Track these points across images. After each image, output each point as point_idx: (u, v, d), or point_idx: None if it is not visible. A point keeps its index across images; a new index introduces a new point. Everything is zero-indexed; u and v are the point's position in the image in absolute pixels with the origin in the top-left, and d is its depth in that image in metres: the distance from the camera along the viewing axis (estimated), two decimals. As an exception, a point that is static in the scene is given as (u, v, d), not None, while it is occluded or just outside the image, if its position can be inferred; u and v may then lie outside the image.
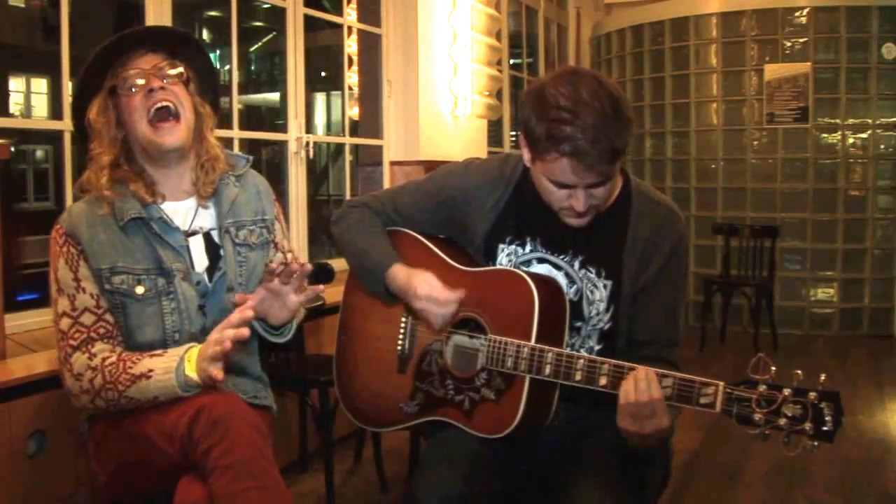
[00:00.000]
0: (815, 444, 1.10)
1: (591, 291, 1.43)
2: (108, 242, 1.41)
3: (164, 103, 1.42)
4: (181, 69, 1.47)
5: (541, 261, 1.47)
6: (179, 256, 1.45)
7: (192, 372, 1.32)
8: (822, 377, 1.13)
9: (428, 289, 1.42)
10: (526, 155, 1.39)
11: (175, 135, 1.43)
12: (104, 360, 1.35)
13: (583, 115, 1.24)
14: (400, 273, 1.47)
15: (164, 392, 1.31)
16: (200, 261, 1.49)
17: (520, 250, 1.48)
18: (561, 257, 1.46)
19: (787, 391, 1.12)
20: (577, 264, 1.45)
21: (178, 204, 1.50)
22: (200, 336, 1.45)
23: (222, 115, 1.68)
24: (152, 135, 1.42)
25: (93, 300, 1.39)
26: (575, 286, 1.44)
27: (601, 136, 1.24)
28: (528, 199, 1.49)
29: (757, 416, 1.13)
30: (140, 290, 1.41)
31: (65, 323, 1.38)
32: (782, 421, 1.12)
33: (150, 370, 1.32)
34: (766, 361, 1.16)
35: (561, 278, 1.45)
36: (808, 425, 1.10)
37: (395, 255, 1.52)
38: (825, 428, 1.10)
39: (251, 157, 1.64)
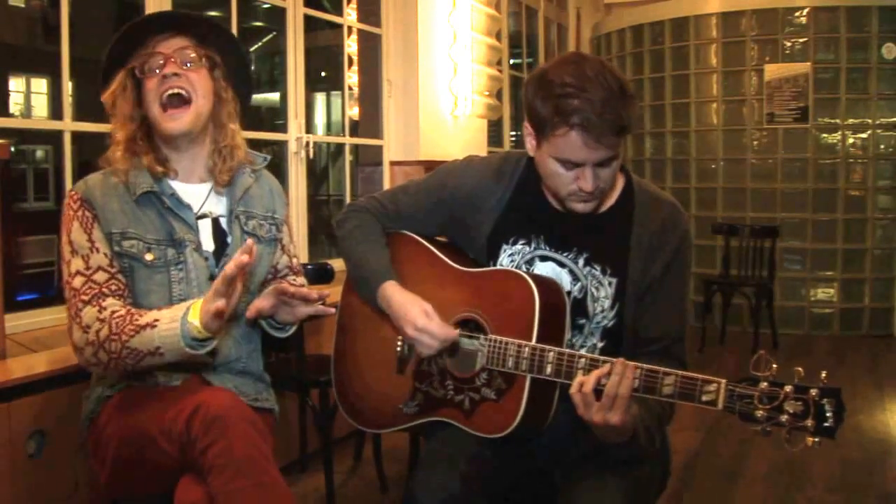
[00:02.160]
0: (817, 440, 1.11)
1: (597, 288, 1.43)
2: (121, 211, 1.43)
3: (176, 90, 1.44)
4: (205, 53, 1.49)
5: (544, 258, 1.47)
6: (190, 229, 1.47)
7: (194, 317, 1.31)
8: (823, 374, 1.13)
9: (426, 322, 1.41)
10: (531, 143, 1.39)
11: (180, 121, 1.45)
12: (113, 312, 1.36)
13: (589, 90, 1.26)
14: (395, 295, 1.46)
15: (166, 342, 1.31)
16: (207, 243, 1.51)
17: (526, 249, 1.48)
18: (565, 255, 1.45)
19: (788, 388, 1.13)
20: (581, 262, 1.45)
21: (191, 186, 1.52)
22: None
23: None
24: (160, 118, 1.45)
25: (106, 259, 1.40)
26: (579, 283, 1.44)
27: (608, 108, 1.26)
28: (530, 196, 1.49)
29: (759, 413, 1.14)
30: (149, 256, 1.43)
31: (77, 281, 1.39)
32: (784, 417, 1.12)
33: (156, 319, 1.33)
34: (768, 359, 1.16)
35: (565, 276, 1.45)
36: (809, 422, 1.11)
37: (390, 270, 1.51)
38: (826, 424, 1.10)
39: (269, 157, 1.66)
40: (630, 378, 1.21)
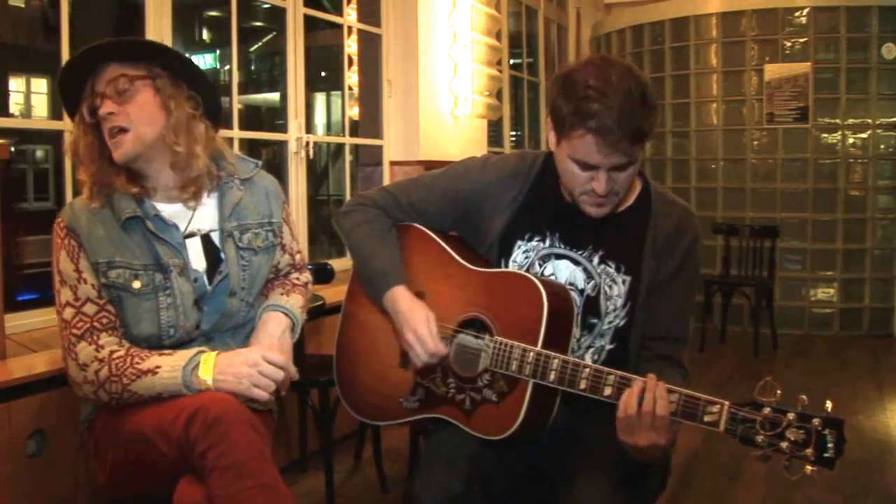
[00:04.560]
0: (816, 469, 1.11)
1: (610, 287, 1.44)
2: (107, 238, 1.42)
3: (116, 127, 1.41)
4: (141, 73, 1.43)
5: (559, 256, 1.47)
6: (176, 252, 1.46)
7: (206, 375, 1.33)
8: (829, 405, 1.13)
9: (425, 331, 1.43)
10: (552, 139, 1.41)
11: (120, 149, 1.42)
12: (112, 353, 1.36)
13: (611, 95, 1.27)
14: (402, 300, 1.47)
15: (167, 389, 1.33)
16: (198, 261, 1.49)
17: (540, 245, 1.48)
18: (579, 252, 1.46)
19: (791, 415, 1.12)
20: (596, 259, 1.45)
21: (174, 206, 1.50)
22: (195, 331, 1.46)
23: (223, 116, 1.63)
24: (111, 148, 1.43)
25: (94, 290, 1.40)
26: (593, 281, 1.45)
27: (627, 115, 1.26)
28: (546, 195, 1.50)
29: (760, 438, 1.13)
30: (137, 284, 1.42)
31: (68, 313, 1.39)
32: (784, 444, 1.12)
33: (158, 367, 1.34)
34: (773, 385, 1.16)
35: (579, 274, 1.46)
36: (809, 451, 1.10)
37: (399, 272, 1.51)
38: (827, 455, 1.10)
39: (260, 162, 1.64)
40: (665, 397, 1.20)
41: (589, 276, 1.45)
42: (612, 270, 1.44)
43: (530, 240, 1.49)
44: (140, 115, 1.42)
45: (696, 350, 4.56)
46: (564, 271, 1.46)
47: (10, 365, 1.91)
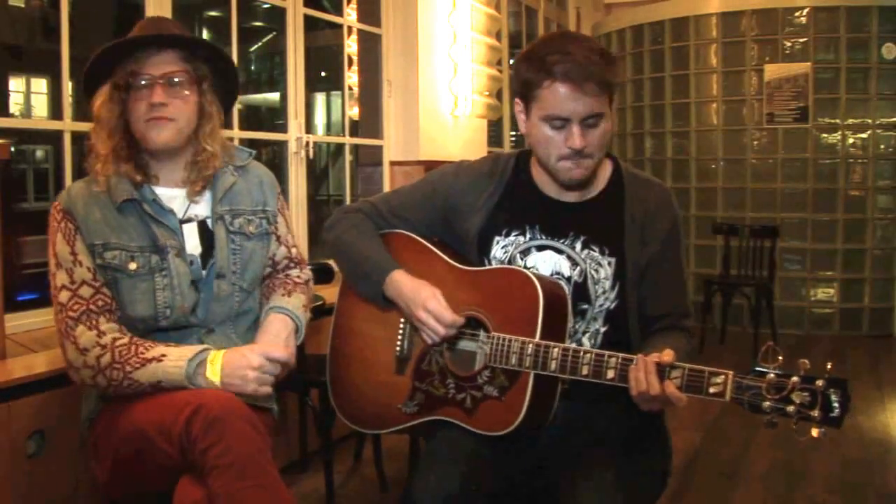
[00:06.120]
0: (823, 430, 1.12)
1: (596, 270, 1.45)
2: (103, 220, 1.43)
3: (162, 116, 1.44)
4: (192, 73, 1.47)
5: (541, 248, 1.48)
6: (173, 234, 1.47)
7: (214, 377, 1.35)
8: (829, 366, 1.15)
9: (436, 305, 1.42)
10: (522, 118, 1.46)
11: (164, 133, 1.45)
12: (115, 339, 1.37)
13: (571, 49, 1.34)
14: (405, 280, 1.48)
15: (168, 378, 1.34)
16: (194, 247, 1.51)
17: (520, 239, 1.50)
18: (561, 241, 1.48)
19: (795, 379, 1.15)
20: (578, 245, 1.47)
21: (173, 191, 1.52)
22: (192, 314, 1.47)
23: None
24: (145, 130, 1.45)
25: (90, 273, 1.41)
26: (578, 268, 1.46)
27: (590, 64, 1.32)
28: (522, 190, 1.52)
29: (766, 404, 1.15)
30: (133, 266, 1.43)
31: (63, 296, 1.40)
32: (791, 408, 1.14)
33: (163, 355, 1.35)
34: (776, 350, 1.18)
35: (563, 262, 1.47)
36: (816, 412, 1.12)
37: (394, 261, 1.53)
38: (833, 414, 1.12)
39: (254, 152, 1.66)
40: (654, 372, 1.23)
41: (574, 263, 1.46)
42: (596, 254, 1.46)
43: (508, 235, 1.51)
44: (185, 111, 1.47)
45: (697, 350, 4.56)
46: (548, 261, 1.48)
47: (10, 365, 1.91)
